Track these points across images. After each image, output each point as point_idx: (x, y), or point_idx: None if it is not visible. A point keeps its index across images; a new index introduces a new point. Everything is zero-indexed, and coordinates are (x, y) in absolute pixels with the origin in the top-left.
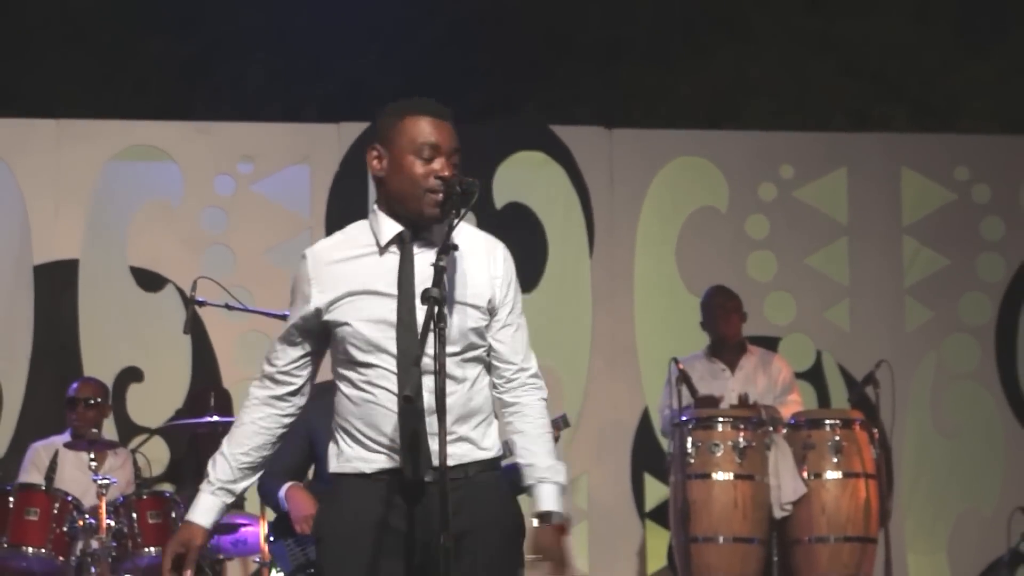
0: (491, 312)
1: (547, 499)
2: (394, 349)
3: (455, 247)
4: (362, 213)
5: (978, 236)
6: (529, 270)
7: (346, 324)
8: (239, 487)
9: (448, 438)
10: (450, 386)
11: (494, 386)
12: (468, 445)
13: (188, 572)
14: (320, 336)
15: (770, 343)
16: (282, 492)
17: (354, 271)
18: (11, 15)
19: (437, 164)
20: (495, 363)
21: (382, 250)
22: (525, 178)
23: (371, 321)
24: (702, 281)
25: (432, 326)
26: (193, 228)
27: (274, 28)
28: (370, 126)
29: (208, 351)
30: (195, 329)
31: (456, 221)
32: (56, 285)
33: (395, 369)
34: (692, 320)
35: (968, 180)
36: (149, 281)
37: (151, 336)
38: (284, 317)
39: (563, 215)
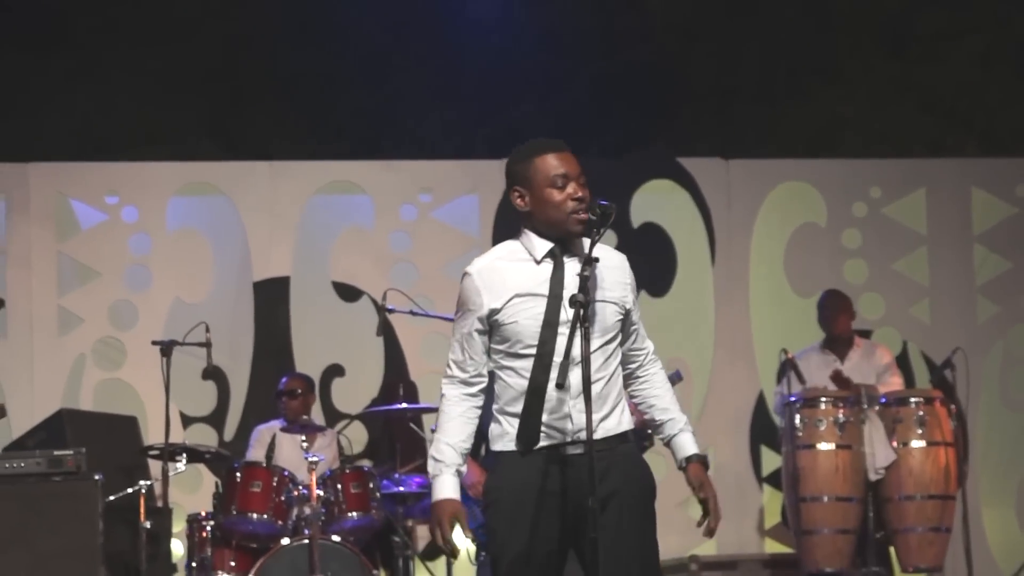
0: (627, 311)
1: (690, 444)
2: (552, 343)
3: (596, 259)
4: None
5: None
6: (661, 278)
7: (514, 322)
8: (464, 467)
9: (597, 415)
10: (597, 374)
11: (626, 365)
12: (611, 422)
13: (469, 533)
14: (490, 335)
15: (864, 336)
16: None
17: (516, 278)
18: (232, 75)
19: (571, 188)
20: (630, 351)
21: (538, 262)
22: (657, 202)
23: (534, 319)
24: (806, 285)
25: (580, 325)
26: (383, 249)
27: (448, 81)
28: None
29: (397, 350)
30: (386, 332)
31: (598, 238)
32: (272, 298)
33: (552, 360)
34: (798, 317)
35: None
36: (348, 293)
37: (350, 338)
38: None
39: (689, 232)
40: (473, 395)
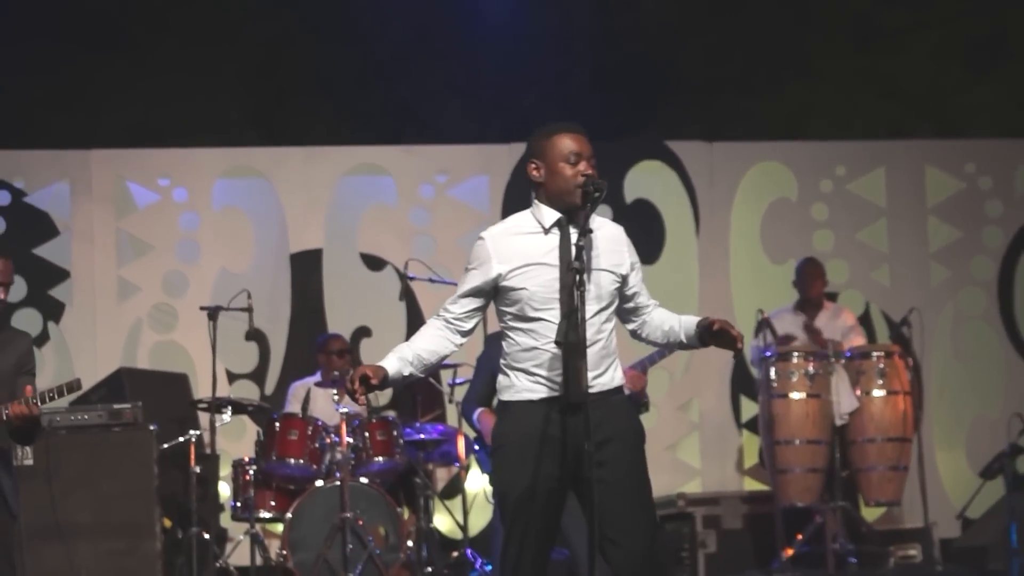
0: (625, 277)
1: (696, 319)
2: (557, 307)
3: (591, 231)
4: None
5: (983, 214)
6: (652, 248)
7: (523, 288)
8: (407, 369)
9: (594, 372)
10: (597, 333)
11: (635, 319)
12: (606, 378)
13: (375, 381)
14: (489, 297)
15: (831, 298)
16: (475, 415)
17: (526, 247)
18: (272, 71)
19: (582, 166)
20: (637, 306)
21: (546, 231)
22: (647, 180)
23: (542, 285)
24: (780, 253)
25: (576, 289)
26: (405, 223)
27: (463, 75)
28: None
29: (418, 313)
30: (408, 297)
31: (591, 211)
32: (307, 268)
33: (557, 321)
34: (773, 282)
35: (975, 173)
36: (374, 263)
37: (376, 303)
38: None
39: (676, 207)
40: (449, 330)
